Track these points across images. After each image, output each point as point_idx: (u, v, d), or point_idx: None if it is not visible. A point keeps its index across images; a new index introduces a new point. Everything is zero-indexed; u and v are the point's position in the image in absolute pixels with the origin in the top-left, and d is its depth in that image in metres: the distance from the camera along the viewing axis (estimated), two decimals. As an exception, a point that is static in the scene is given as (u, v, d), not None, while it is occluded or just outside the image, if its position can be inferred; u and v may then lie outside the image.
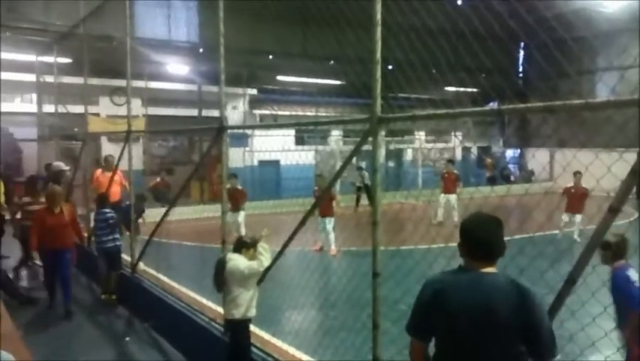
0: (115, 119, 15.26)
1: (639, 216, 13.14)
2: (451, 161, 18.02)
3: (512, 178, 27.75)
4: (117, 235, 8.59)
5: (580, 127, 20.44)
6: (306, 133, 23.90)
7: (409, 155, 26.66)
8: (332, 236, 11.72)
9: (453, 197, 15.72)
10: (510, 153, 30.25)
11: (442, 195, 15.97)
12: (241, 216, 13.04)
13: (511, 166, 29.49)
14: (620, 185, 2.63)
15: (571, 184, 13.03)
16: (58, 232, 7.81)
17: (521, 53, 28.81)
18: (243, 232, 11.90)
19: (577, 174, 12.30)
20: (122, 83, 10.12)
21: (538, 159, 26.55)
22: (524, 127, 29.13)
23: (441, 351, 2.63)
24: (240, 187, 13.22)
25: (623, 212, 2.69)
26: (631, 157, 2.60)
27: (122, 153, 9.40)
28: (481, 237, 2.58)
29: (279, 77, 23.02)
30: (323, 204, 10.44)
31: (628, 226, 4.53)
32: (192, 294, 8.09)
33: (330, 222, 11.70)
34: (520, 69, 29.17)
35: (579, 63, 24.13)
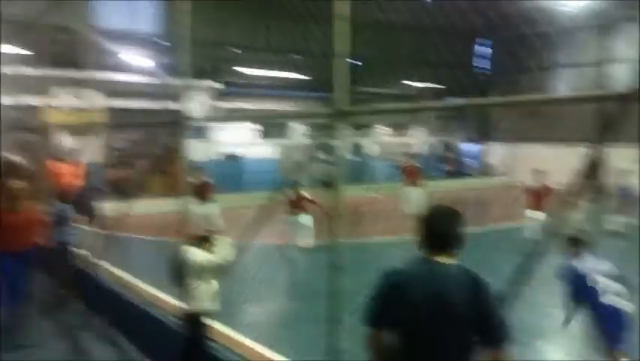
0: (76, 111, 14.89)
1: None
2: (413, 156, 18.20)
3: (471, 173, 28.23)
4: (74, 230, 8.39)
5: (539, 122, 21.03)
6: (270, 127, 23.79)
7: (370, 148, 26.81)
8: (308, 231, 11.43)
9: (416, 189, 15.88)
10: (471, 147, 30.72)
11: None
12: (211, 208, 12.89)
13: (471, 160, 29.96)
14: (574, 179, 2.70)
15: (533, 182, 12.81)
16: (19, 233, 6.77)
17: (484, 48, 29.27)
18: (218, 224, 11.73)
19: (537, 172, 12.15)
20: (83, 75, 9.88)
21: (497, 153, 27.13)
22: (485, 122, 29.65)
23: (403, 342, 2.64)
24: (206, 179, 13.10)
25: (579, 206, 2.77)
26: (583, 151, 2.67)
27: (82, 146, 9.19)
28: (438, 228, 2.63)
29: (244, 71, 22.83)
30: (294, 202, 11.10)
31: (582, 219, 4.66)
32: (150, 288, 7.98)
33: (303, 218, 11.51)
34: (483, 64, 29.65)
35: (542, 59, 24.69)
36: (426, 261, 2.63)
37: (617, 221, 12.31)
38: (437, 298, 2.49)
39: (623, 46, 21.33)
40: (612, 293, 4.41)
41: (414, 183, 15.45)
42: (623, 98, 2.40)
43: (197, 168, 11.85)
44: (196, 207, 11.31)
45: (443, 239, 2.62)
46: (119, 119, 16.92)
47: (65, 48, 12.72)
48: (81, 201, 9.64)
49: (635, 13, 20.65)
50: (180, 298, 5.11)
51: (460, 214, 2.69)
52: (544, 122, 20.14)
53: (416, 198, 15.42)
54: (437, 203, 2.82)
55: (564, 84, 24.95)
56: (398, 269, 2.72)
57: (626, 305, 4.43)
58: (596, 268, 4.54)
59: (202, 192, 11.97)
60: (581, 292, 4.41)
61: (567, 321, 4.56)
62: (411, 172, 15.74)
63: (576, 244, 4.61)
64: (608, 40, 23.80)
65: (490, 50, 29.23)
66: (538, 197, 11.90)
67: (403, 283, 2.62)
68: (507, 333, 2.52)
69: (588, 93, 2.31)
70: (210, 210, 12.72)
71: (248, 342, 5.99)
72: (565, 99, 2.51)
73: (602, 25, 23.68)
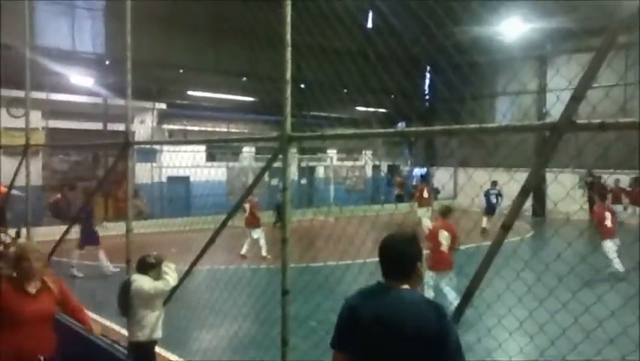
0: (12, 131, 14.36)
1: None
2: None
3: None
4: None
5: (479, 148, 21.74)
6: (218, 149, 23.62)
7: (320, 172, 26.99)
8: (262, 242, 13.29)
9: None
10: (417, 171, 31.36)
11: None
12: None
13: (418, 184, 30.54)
14: (512, 203, 2.82)
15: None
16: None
17: (427, 76, 30.13)
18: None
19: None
20: (20, 94, 9.56)
21: (442, 177, 27.80)
22: (430, 147, 30.40)
23: None
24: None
25: (518, 229, 2.89)
26: (522, 176, 2.80)
27: (18, 168, 8.84)
28: (390, 255, 2.66)
29: (190, 92, 22.65)
30: (248, 217, 13.35)
31: (519, 242, 4.84)
32: (94, 316, 7.71)
33: (256, 233, 13.40)
34: (427, 92, 30.49)
35: (483, 86, 25.65)
36: (381, 285, 2.67)
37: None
38: (388, 321, 2.51)
39: (557, 76, 22.39)
40: None
41: (426, 204, 15.91)
42: (556, 128, 2.54)
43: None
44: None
45: (393, 265, 2.64)
46: (61, 141, 16.44)
47: (3, 66, 12.30)
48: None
49: (567, 45, 21.80)
50: (128, 326, 4.97)
51: (414, 239, 2.69)
52: (482, 149, 20.88)
53: (428, 217, 16.04)
54: (395, 229, 2.83)
55: (502, 112, 25.97)
56: (356, 293, 2.75)
57: None
58: None
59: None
60: None
61: None
62: (421, 193, 16.37)
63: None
64: (545, 71, 25.00)
65: (430, 79, 30.12)
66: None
67: (357, 306, 2.66)
68: (462, 358, 2.50)
69: (523, 123, 2.45)
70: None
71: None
72: (500, 128, 2.65)
73: (539, 55, 24.88)
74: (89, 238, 11.74)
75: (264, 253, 13.23)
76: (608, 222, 11.79)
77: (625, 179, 21.17)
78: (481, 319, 3.48)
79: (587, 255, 11.28)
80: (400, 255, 2.64)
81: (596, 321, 3.79)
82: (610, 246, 11.58)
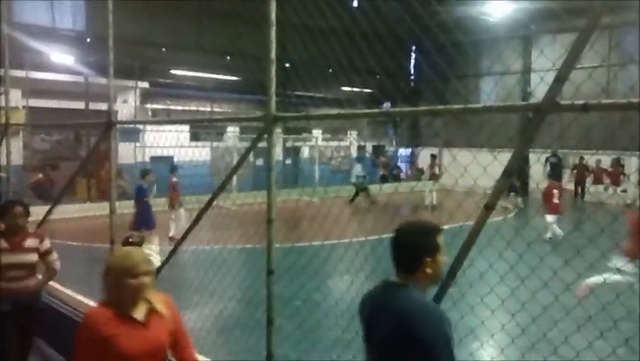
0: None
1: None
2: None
3: (403, 176, 28.92)
4: None
5: (463, 128, 21.84)
6: (202, 129, 23.45)
7: (305, 153, 26.97)
8: (177, 223, 13.38)
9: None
10: (402, 151, 31.49)
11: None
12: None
13: (403, 165, 30.71)
14: (495, 184, 2.84)
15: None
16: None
17: (412, 56, 30.07)
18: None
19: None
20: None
21: (426, 157, 27.94)
22: (415, 127, 30.48)
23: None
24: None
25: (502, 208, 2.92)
26: (505, 157, 2.82)
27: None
28: (394, 245, 2.51)
29: (173, 71, 22.40)
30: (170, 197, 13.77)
31: (502, 222, 4.89)
32: (77, 296, 7.70)
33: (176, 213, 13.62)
34: (412, 72, 30.46)
35: (468, 66, 25.69)
36: (385, 281, 2.57)
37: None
38: (380, 318, 2.45)
39: (542, 57, 22.47)
40: None
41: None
42: (539, 109, 2.56)
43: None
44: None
45: (397, 257, 2.50)
46: (42, 120, 16.21)
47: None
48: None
49: (551, 25, 21.85)
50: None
51: (428, 232, 2.48)
52: (467, 129, 20.98)
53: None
54: (410, 219, 2.64)
55: (487, 92, 26.09)
56: (372, 287, 2.67)
57: None
58: None
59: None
60: None
61: None
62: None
63: None
64: (529, 51, 25.08)
65: (416, 58, 30.07)
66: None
67: (364, 300, 2.64)
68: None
69: (507, 104, 2.47)
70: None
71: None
72: (484, 109, 2.65)
73: (523, 35, 24.93)
74: (147, 221, 10.92)
75: (171, 233, 12.98)
76: (555, 200, 12.76)
77: (606, 160, 21.45)
78: (464, 297, 3.53)
79: (567, 234, 11.54)
80: (404, 246, 2.48)
81: (575, 299, 3.87)
82: (550, 220, 12.65)
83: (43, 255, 5.16)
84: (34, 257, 5.11)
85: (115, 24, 5.59)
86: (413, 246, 2.45)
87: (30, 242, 5.10)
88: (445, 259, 2.49)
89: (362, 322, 2.62)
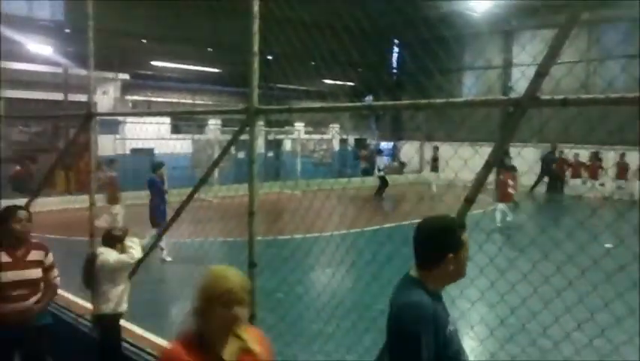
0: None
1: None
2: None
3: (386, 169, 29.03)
4: None
5: (445, 122, 22.00)
6: (183, 121, 23.28)
7: (287, 145, 26.91)
8: (119, 218, 12.61)
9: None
10: (384, 145, 31.58)
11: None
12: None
13: (385, 158, 30.80)
14: (475, 177, 2.87)
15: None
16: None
17: (395, 50, 30.14)
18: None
19: None
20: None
21: (408, 151, 28.08)
22: (397, 121, 30.58)
23: None
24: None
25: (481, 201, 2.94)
26: (486, 151, 2.84)
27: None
28: (416, 241, 2.44)
29: (154, 62, 22.17)
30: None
31: (482, 215, 4.94)
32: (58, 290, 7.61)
33: (115, 208, 12.78)
34: (394, 66, 30.53)
35: (452, 60, 25.81)
36: (406, 274, 2.51)
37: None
38: (390, 309, 2.40)
39: (522, 52, 22.67)
40: None
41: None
42: (519, 104, 2.59)
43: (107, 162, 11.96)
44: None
45: (417, 250, 2.42)
46: (19, 112, 15.95)
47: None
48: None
49: (532, 21, 22.03)
50: (92, 299, 4.93)
51: (451, 228, 2.40)
52: (448, 123, 21.14)
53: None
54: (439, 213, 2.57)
55: (468, 87, 26.29)
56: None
57: None
58: None
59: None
60: None
61: None
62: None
63: None
64: (510, 46, 25.28)
65: (398, 52, 30.16)
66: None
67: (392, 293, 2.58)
68: None
69: (488, 98, 2.50)
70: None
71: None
72: (466, 103, 2.67)
73: (505, 31, 25.11)
74: (162, 215, 10.05)
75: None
76: (510, 189, 13.84)
77: (584, 153, 21.73)
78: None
79: (547, 227, 11.69)
80: (427, 242, 2.40)
81: (554, 291, 3.92)
82: (502, 208, 13.71)
83: (46, 270, 4.43)
84: (38, 273, 4.35)
85: (94, 14, 5.51)
86: (436, 242, 2.38)
87: (34, 255, 4.38)
88: (467, 256, 2.41)
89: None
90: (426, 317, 2.24)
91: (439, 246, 2.35)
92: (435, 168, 21.85)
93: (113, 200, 12.93)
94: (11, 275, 4.17)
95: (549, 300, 4.08)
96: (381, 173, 21.09)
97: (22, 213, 4.37)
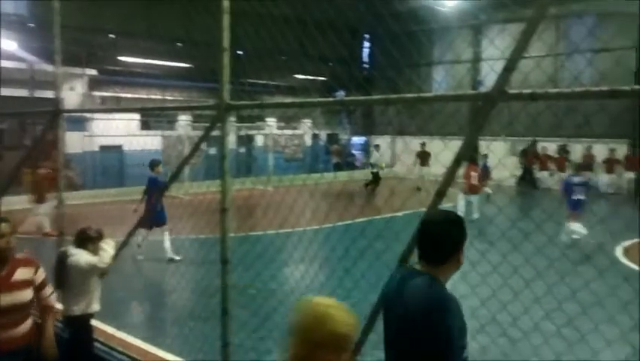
0: None
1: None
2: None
3: (357, 164, 29.13)
4: None
5: (416, 117, 22.17)
6: (152, 117, 22.96)
7: (259, 141, 26.80)
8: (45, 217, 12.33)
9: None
10: (356, 139, 31.67)
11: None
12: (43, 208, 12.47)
13: (357, 152, 30.91)
14: (446, 171, 2.90)
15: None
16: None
17: (366, 45, 30.21)
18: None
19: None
20: None
21: (381, 145, 28.22)
22: (369, 115, 30.70)
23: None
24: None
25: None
26: (457, 144, 2.87)
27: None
28: (427, 235, 2.44)
29: (122, 58, 21.80)
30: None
31: (452, 208, 5.00)
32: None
33: (42, 207, 12.39)
34: (365, 60, 30.60)
35: (422, 55, 26.03)
36: (407, 269, 2.52)
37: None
38: (400, 309, 2.36)
39: (491, 46, 22.97)
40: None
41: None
42: (488, 98, 2.62)
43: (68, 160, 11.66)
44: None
45: (424, 247, 2.43)
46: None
47: None
48: None
49: (500, 15, 22.31)
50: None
51: (456, 222, 2.42)
52: (419, 117, 21.33)
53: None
54: (437, 208, 2.61)
55: (438, 81, 26.54)
56: (394, 273, 2.59)
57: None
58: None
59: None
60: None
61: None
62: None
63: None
64: (479, 41, 25.56)
65: (369, 47, 30.24)
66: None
67: (386, 287, 2.57)
68: None
69: (458, 93, 2.53)
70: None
71: (138, 342, 5.82)
72: (436, 98, 2.71)
73: (474, 25, 25.37)
74: (158, 217, 9.39)
75: (47, 228, 11.89)
76: (474, 181, 14.04)
77: (553, 147, 22.15)
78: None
79: (517, 220, 11.89)
80: (442, 237, 2.39)
81: (523, 282, 4.00)
82: (461, 199, 14.01)
83: (38, 289, 3.80)
84: (28, 294, 3.69)
85: (61, 9, 5.39)
86: (451, 236, 2.39)
87: (22, 273, 3.69)
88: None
89: (386, 310, 2.53)
90: (460, 310, 2.29)
91: (454, 239, 2.38)
92: (425, 162, 21.20)
93: (40, 199, 12.54)
94: None
95: (519, 291, 4.16)
96: (375, 169, 20.72)
97: (5, 227, 3.65)
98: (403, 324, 2.33)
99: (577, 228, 9.94)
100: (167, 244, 9.83)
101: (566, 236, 9.94)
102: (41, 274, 3.84)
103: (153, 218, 9.25)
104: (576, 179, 10.92)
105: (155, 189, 9.44)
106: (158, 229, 9.68)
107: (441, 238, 2.38)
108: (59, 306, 4.55)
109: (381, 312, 2.64)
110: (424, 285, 2.32)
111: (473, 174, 14.13)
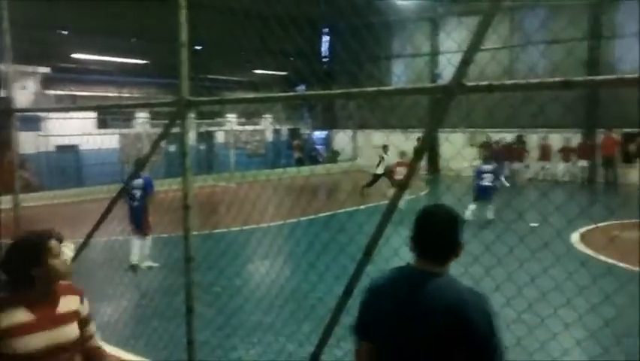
0: None
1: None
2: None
3: (320, 159, 29.19)
4: None
5: (376, 110, 22.33)
6: (109, 115, 22.45)
7: (220, 137, 26.55)
8: None
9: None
10: (318, 134, 31.70)
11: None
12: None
13: (319, 147, 30.95)
14: (408, 163, 2.93)
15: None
16: None
17: (326, 39, 30.21)
18: None
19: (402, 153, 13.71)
20: None
21: (341, 140, 28.32)
22: (330, 110, 30.75)
23: (378, 354, 2.39)
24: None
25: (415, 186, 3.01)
26: (417, 136, 2.91)
27: None
28: (428, 233, 2.34)
29: (76, 55, 21.22)
30: None
31: (416, 199, 5.07)
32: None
33: None
34: (326, 54, 30.60)
35: (381, 48, 26.14)
36: (409, 267, 2.38)
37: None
38: (412, 309, 2.24)
39: (449, 39, 23.27)
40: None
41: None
42: (447, 90, 2.66)
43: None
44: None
45: (430, 245, 2.33)
46: None
47: None
48: None
49: (457, 8, 22.63)
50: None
51: (458, 218, 2.35)
52: (380, 111, 21.46)
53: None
54: (435, 203, 2.48)
55: (397, 75, 26.78)
56: (381, 275, 2.46)
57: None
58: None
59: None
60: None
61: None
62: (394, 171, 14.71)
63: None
64: (437, 34, 25.87)
65: (328, 40, 30.26)
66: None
67: (380, 288, 2.40)
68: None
69: (417, 86, 2.55)
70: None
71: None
72: (397, 91, 2.73)
73: (431, 18, 25.65)
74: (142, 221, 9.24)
75: None
76: (399, 176, 13.58)
77: (510, 137, 22.63)
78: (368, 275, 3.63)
79: (479, 213, 12.14)
80: (445, 232, 2.32)
81: (484, 269, 4.08)
82: (389, 194, 13.52)
83: (82, 324, 2.77)
84: (75, 329, 2.70)
85: (10, 5, 5.22)
86: (456, 232, 2.33)
87: (67, 303, 2.72)
88: None
89: (381, 314, 2.37)
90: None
91: (458, 236, 2.32)
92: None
93: None
94: (37, 341, 2.54)
95: (479, 279, 4.25)
96: (380, 171, 20.30)
97: (54, 245, 2.72)
98: (432, 327, 2.19)
99: (472, 208, 12.14)
100: (146, 249, 9.47)
101: (468, 213, 11.89)
102: (87, 306, 2.84)
103: (145, 221, 9.24)
104: (485, 167, 12.66)
105: (150, 192, 9.39)
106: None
107: (448, 237, 2.31)
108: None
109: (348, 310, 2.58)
110: (448, 285, 2.27)
111: (399, 169, 13.68)
